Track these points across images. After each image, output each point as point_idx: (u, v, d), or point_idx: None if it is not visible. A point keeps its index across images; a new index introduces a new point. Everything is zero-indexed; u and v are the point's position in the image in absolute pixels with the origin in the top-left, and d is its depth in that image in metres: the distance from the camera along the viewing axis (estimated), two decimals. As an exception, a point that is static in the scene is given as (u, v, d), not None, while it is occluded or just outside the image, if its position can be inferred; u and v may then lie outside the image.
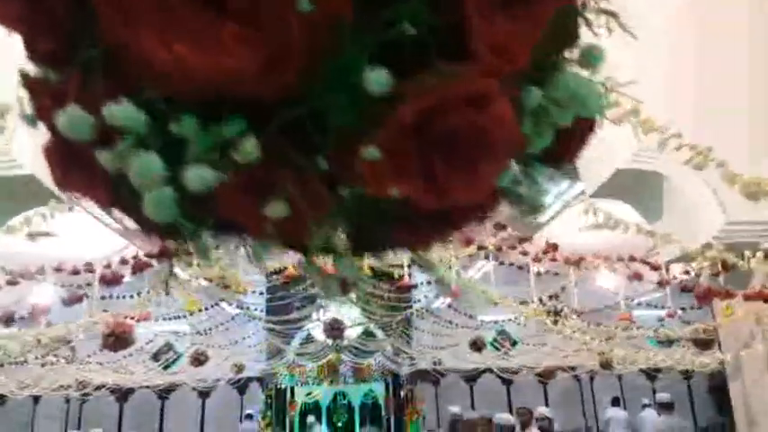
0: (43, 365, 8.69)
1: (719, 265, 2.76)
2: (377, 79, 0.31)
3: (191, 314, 7.59)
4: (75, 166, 0.36)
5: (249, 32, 0.30)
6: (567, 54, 0.42)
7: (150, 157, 0.33)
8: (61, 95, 0.33)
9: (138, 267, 2.77)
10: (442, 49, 0.33)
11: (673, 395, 7.50)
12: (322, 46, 0.30)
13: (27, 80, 0.37)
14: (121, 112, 0.31)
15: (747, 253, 1.95)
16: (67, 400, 13.33)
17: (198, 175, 0.32)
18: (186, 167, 0.32)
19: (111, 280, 3.00)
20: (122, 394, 13.55)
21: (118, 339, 5.91)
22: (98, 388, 12.05)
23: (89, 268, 2.88)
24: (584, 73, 0.42)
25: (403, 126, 0.32)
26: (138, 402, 13.57)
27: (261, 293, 9.53)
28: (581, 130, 0.45)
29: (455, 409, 8.21)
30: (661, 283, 2.65)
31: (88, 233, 6.93)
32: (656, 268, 2.95)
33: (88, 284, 5.38)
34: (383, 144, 0.32)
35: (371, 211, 0.38)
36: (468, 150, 0.34)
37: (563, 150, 0.46)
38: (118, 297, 4.71)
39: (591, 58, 0.42)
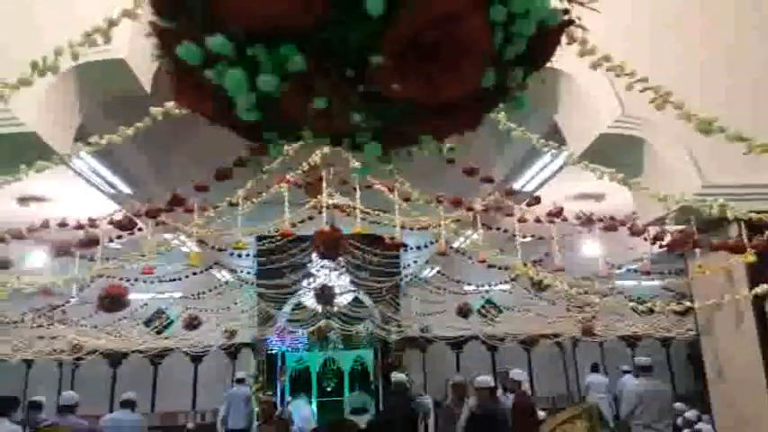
0: (39, 326, 8.79)
1: (694, 226, 2.93)
2: (374, 4, 0.44)
3: (193, 272, 7.69)
4: (189, 86, 0.50)
5: None
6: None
7: (237, 72, 0.46)
8: (177, 35, 0.46)
9: (124, 227, 2.86)
10: None
11: (653, 362, 7.75)
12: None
13: (155, 27, 0.49)
14: (216, 42, 0.45)
15: (714, 205, 2.08)
16: (60, 365, 13.50)
17: (267, 83, 0.46)
18: (260, 77, 0.46)
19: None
20: (115, 359, 13.74)
21: (113, 301, 6.04)
22: (91, 353, 12.23)
23: (93, 224, 2.96)
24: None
25: (399, 39, 0.45)
26: (131, 367, 13.77)
27: (248, 255, 9.64)
28: (546, 37, 0.58)
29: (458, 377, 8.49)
30: (636, 233, 2.78)
31: (78, 198, 6.99)
32: (635, 233, 3.08)
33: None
34: (386, 53, 0.46)
35: (387, 109, 0.51)
36: (451, 56, 0.47)
37: (535, 55, 0.58)
38: (113, 258, 4.82)
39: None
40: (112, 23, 1.57)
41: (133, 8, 1.54)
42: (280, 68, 0.48)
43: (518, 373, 7.37)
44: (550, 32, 0.57)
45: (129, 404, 6.74)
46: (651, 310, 3.00)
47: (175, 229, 3.81)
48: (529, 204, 2.98)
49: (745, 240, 2.58)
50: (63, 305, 8.27)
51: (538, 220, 3.18)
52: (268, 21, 0.45)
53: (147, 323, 12.39)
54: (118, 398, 12.13)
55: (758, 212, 2.40)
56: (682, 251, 2.67)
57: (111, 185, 6.78)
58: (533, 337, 13.61)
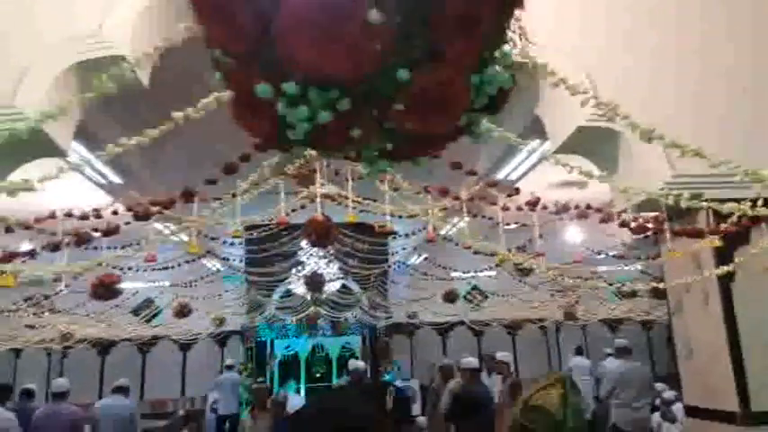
0: (34, 315, 8.84)
1: (665, 213, 3.12)
2: (402, 74, 0.61)
3: (186, 261, 7.78)
4: (248, 111, 0.66)
5: (349, 51, 0.59)
6: (494, 53, 0.73)
7: (305, 109, 0.63)
8: (249, 76, 0.63)
9: (140, 217, 2.97)
10: (431, 56, 0.63)
11: (633, 345, 8.00)
12: (380, 60, 0.61)
13: (220, 64, 0.65)
14: (290, 87, 0.62)
15: (671, 196, 2.26)
16: (49, 354, 13.54)
17: (323, 117, 0.63)
18: (320, 114, 0.63)
19: (108, 230, 3.21)
20: (104, 348, 13.81)
21: (106, 289, 6.15)
22: (80, 341, 12.29)
23: (97, 214, 3.06)
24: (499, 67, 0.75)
25: (412, 94, 0.63)
26: (120, 356, 13.85)
27: (240, 244, 9.76)
28: (503, 94, 0.83)
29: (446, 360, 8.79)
30: (606, 220, 2.96)
31: (63, 188, 7.04)
32: (605, 220, 3.26)
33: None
34: (403, 103, 0.63)
35: (399, 136, 0.68)
36: (443, 106, 0.66)
37: (493, 105, 0.78)
38: (110, 248, 4.92)
39: (505, 56, 0.74)
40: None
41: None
42: (329, 107, 0.68)
43: (505, 355, 7.60)
44: (506, 91, 0.82)
45: (122, 390, 6.86)
46: (631, 294, 3.19)
47: (167, 218, 3.93)
48: (509, 195, 3.15)
49: (711, 226, 2.78)
50: (54, 294, 8.33)
51: (519, 209, 3.36)
52: (329, 75, 0.66)
53: (136, 312, 12.48)
54: (107, 386, 12.25)
55: (721, 200, 2.58)
56: (644, 235, 2.86)
57: (103, 176, 6.86)
58: (518, 321, 13.91)
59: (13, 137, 3.10)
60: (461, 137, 0.84)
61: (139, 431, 7.01)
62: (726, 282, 2.98)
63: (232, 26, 0.67)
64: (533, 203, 3.16)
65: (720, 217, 2.85)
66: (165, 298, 11.60)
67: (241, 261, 11.47)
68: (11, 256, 2.90)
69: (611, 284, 4.87)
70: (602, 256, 7.66)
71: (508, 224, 4.15)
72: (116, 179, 6.91)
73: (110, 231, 2.94)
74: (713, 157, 1.93)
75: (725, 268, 2.72)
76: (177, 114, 1.57)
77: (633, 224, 2.90)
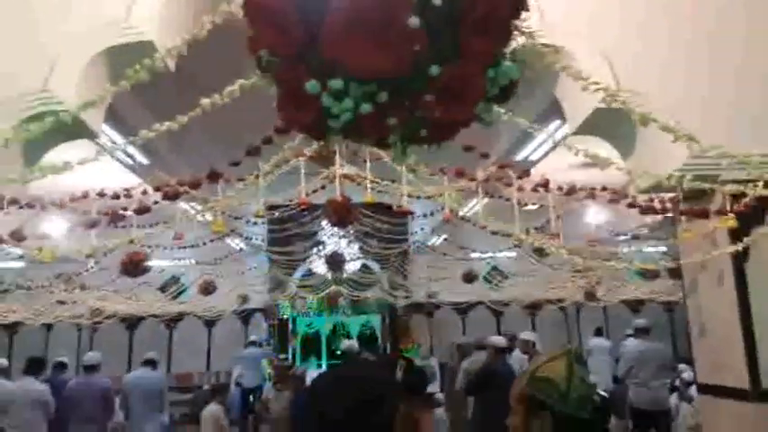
0: (65, 291, 9.16)
1: (681, 194, 3.15)
2: (433, 70, 0.74)
3: (211, 240, 7.96)
4: (294, 104, 0.77)
5: (390, 52, 0.71)
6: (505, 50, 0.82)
7: (349, 101, 0.73)
8: (296, 75, 0.73)
9: (170, 197, 3.09)
10: (456, 53, 0.75)
11: (655, 326, 8.01)
12: (415, 58, 0.74)
13: (265, 63, 0.75)
14: (336, 83, 0.74)
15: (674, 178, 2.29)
16: (79, 329, 13.99)
17: (365, 108, 0.74)
18: (362, 105, 0.74)
19: (140, 209, 3.35)
20: (132, 323, 14.23)
21: (134, 266, 6.37)
22: (109, 317, 12.69)
23: (128, 193, 3.19)
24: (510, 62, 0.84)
25: (440, 86, 0.74)
26: (147, 331, 14.26)
27: (263, 224, 9.94)
28: (512, 85, 0.93)
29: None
30: (615, 201, 2.99)
31: (89, 168, 7.23)
32: (614, 201, 3.29)
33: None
34: (432, 94, 0.73)
35: (426, 123, 0.79)
36: (464, 97, 0.75)
37: (504, 95, 0.87)
38: (139, 226, 5.10)
39: (514, 52, 0.83)
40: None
41: None
42: (369, 99, 0.80)
43: (529, 334, 7.72)
44: (514, 82, 0.93)
45: (151, 363, 7.11)
46: (653, 274, 3.23)
47: (193, 199, 4.05)
48: (519, 177, 3.20)
49: (724, 207, 2.81)
50: (85, 271, 8.61)
51: (535, 190, 3.41)
52: (371, 72, 0.79)
53: (162, 289, 12.82)
54: (135, 360, 12.67)
55: (737, 181, 2.61)
56: (662, 216, 2.91)
57: (130, 157, 7.03)
58: (537, 302, 13.94)
59: (56, 123, 3.24)
60: (470, 125, 0.96)
61: (167, 403, 7.28)
62: (740, 262, 3.01)
63: (284, 32, 0.78)
64: (544, 185, 3.21)
65: (735, 198, 2.88)
66: (191, 276, 11.88)
67: (263, 240, 11.68)
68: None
69: (629, 264, 4.89)
70: (622, 237, 7.65)
71: (525, 205, 4.20)
72: (143, 160, 7.08)
73: (141, 210, 3.07)
74: (702, 142, 1.97)
75: (737, 246, 2.76)
76: (205, 101, 1.67)
77: (643, 205, 2.94)
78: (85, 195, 3.33)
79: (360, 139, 0.95)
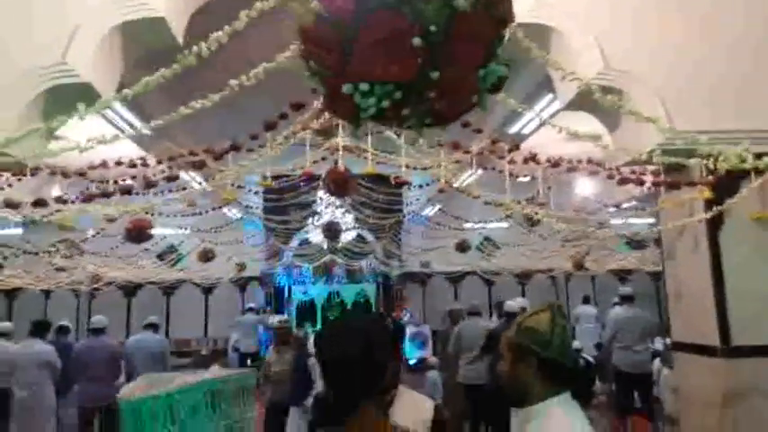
0: (67, 257, 9.34)
1: (660, 167, 3.37)
2: (433, 75, 0.95)
3: (215, 207, 8.14)
4: (335, 100, 0.99)
5: (401, 64, 0.92)
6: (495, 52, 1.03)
7: (373, 98, 0.94)
8: (337, 80, 0.95)
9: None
10: (451, 61, 0.94)
11: (641, 295, 8.32)
12: (419, 67, 0.96)
13: (315, 71, 0.96)
14: (364, 86, 0.97)
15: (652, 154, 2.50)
16: (77, 295, 14.22)
17: (385, 104, 0.95)
18: (383, 102, 0.95)
19: (150, 182, 3.52)
20: (130, 290, 14.48)
21: (139, 232, 6.56)
22: (108, 283, 12.92)
23: (144, 162, 3.36)
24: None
25: (439, 87, 0.96)
26: (145, 298, 14.52)
27: (256, 193, 10.11)
28: (500, 80, 1.12)
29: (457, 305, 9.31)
30: (595, 173, 3.21)
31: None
32: (594, 173, 3.47)
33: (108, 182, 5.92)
34: (435, 92, 0.96)
35: (432, 112, 1.00)
36: (461, 93, 0.97)
37: (495, 88, 1.08)
38: (143, 194, 5.29)
39: (500, 56, 1.05)
40: None
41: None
42: (388, 96, 1.06)
43: (522, 301, 8.03)
44: (503, 78, 1.14)
45: (152, 326, 7.36)
46: (639, 244, 3.46)
47: (197, 167, 4.21)
48: (510, 150, 3.40)
49: (702, 178, 3.03)
50: (87, 239, 8.77)
51: (525, 162, 3.61)
52: (389, 77, 1.06)
53: (160, 257, 13.02)
54: (134, 326, 12.96)
55: (709, 156, 2.83)
56: (635, 186, 3.13)
57: (132, 126, 7.15)
58: (528, 271, 14.27)
59: (64, 92, 3.36)
60: (473, 109, 1.23)
61: (170, 365, 7.55)
62: (714, 230, 3.25)
63: (329, 51, 1.09)
64: (532, 157, 3.41)
65: (711, 171, 3.10)
66: (189, 244, 12.09)
67: (258, 208, 11.87)
68: (65, 201, 3.22)
69: (612, 232, 5.13)
70: (610, 209, 7.89)
71: (517, 176, 4.41)
72: (146, 131, 7.18)
73: (150, 184, 3.25)
74: (663, 123, 2.18)
75: (708, 215, 2.99)
76: (233, 82, 1.85)
77: (621, 176, 3.16)
78: (104, 164, 3.50)
79: (383, 124, 1.20)
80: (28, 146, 3.06)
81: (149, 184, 3.22)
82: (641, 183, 3.24)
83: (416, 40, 1.04)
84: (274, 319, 8.72)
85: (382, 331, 1.82)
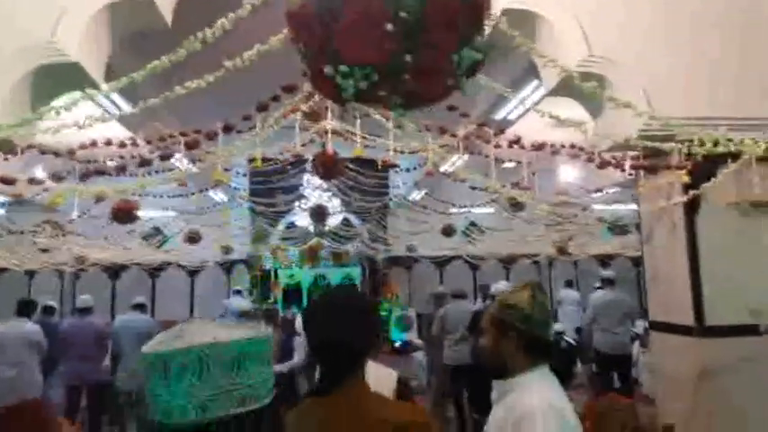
0: (52, 237, 9.29)
1: (641, 154, 3.47)
2: (407, 58, 1.04)
3: (201, 190, 8.12)
4: (319, 80, 1.05)
5: (376, 48, 0.98)
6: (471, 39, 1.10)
7: (351, 80, 1.00)
8: (319, 62, 1.01)
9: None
10: (423, 46, 1.01)
11: (623, 279, 8.47)
12: (394, 51, 1.02)
13: (302, 54, 1.01)
14: (344, 68, 1.02)
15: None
16: (61, 276, 14.15)
17: (363, 85, 1.01)
18: (360, 83, 1.01)
19: (144, 160, 3.54)
20: (114, 271, 14.44)
21: (125, 213, 6.56)
22: (93, 265, 12.86)
23: (134, 142, 3.37)
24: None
25: (415, 68, 1.05)
26: (130, 279, 14.49)
27: (245, 175, 10.11)
28: (475, 65, 1.17)
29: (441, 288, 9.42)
30: (574, 156, 3.29)
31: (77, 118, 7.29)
32: (574, 156, 3.55)
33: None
34: (410, 74, 1.02)
35: (408, 94, 1.06)
36: (437, 74, 1.04)
37: (470, 72, 1.14)
38: (132, 174, 5.30)
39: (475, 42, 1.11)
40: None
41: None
42: (366, 78, 1.10)
43: (505, 284, 8.16)
44: (479, 63, 1.20)
45: (140, 307, 7.39)
46: (621, 230, 3.56)
47: (190, 147, 4.19)
48: (495, 134, 3.47)
49: (680, 163, 3.13)
50: (71, 221, 8.73)
51: (509, 146, 3.69)
52: (365, 60, 1.13)
53: (145, 239, 12.97)
54: (119, 307, 12.93)
55: (689, 141, 2.92)
56: (608, 171, 3.23)
57: (118, 107, 7.10)
58: (512, 256, 14.45)
59: (52, 72, 3.37)
60: (452, 93, 1.28)
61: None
62: (691, 214, 3.36)
63: (312, 35, 1.16)
64: (516, 141, 3.49)
65: (688, 156, 3.21)
66: (174, 226, 12.06)
67: (245, 191, 11.86)
68: (60, 178, 3.25)
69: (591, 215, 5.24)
70: (594, 194, 8.01)
71: (503, 161, 4.49)
72: (130, 109, 7.14)
73: (144, 162, 3.27)
74: (642, 109, 2.27)
75: (687, 197, 3.10)
76: (228, 64, 1.89)
77: (602, 160, 3.25)
78: (94, 143, 3.52)
79: (365, 104, 1.27)
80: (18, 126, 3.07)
81: (143, 162, 3.24)
82: (619, 166, 3.33)
83: (389, 26, 1.11)
84: (240, 303, 8.77)
85: (368, 309, 1.90)
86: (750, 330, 3.30)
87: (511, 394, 1.97)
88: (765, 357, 3.27)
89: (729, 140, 2.75)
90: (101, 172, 3.28)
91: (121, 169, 3.26)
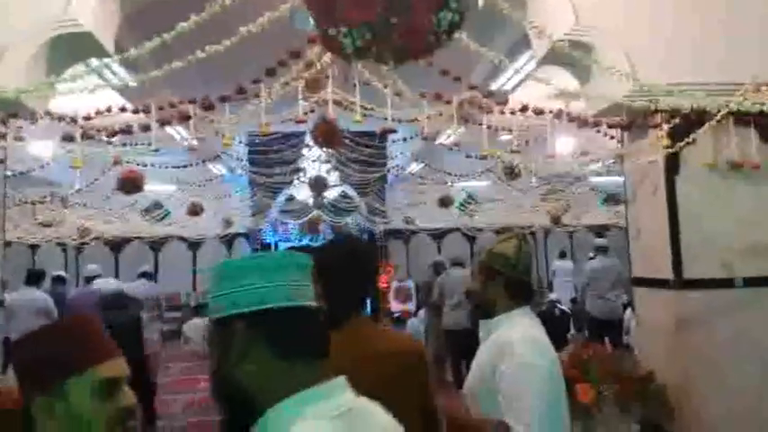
0: (53, 210, 9.48)
1: (625, 117, 3.66)
2: (393, 18, 1.24)
3: (201, 161, 8.27)
4: (326, 40, 1.26)
5: (365, 11, 1.21)
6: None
7: (350, 39, 1.23)
8: (327, 23, 1.22)
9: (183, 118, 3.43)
10: (407, 7, 1.25)
11: (617, 249, 8.69)
12: (382, 11, 1.25)
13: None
14: (344, 29, 1.24)
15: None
16: (64, 250, 14.37)
17: (360, 42, 1.22)
18: (356, 41, 1.23)
19: (146, 125, 3.69)
20: (117, 245, 14.68)
21: (131, 183, 6.75)
22: (96, 238, 13.08)
23: (146, 109, 3.52)
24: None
25: (401, 27, 1.26)
26: (132, 253, 14.72)
27: (246, 144, 10.26)
28: (455, 24, 1.38)
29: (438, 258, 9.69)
30: (557, 117, 3.46)
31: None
32: (558, 117, 3.70)
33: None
34: (397, 32, 1.24)
35: (397, 48, 1.28)
36: (419, 32, 1.27)
37: (451, 31, 1.37)
38: (133, 144, 5.48)
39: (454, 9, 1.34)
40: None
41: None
42: (361, 36, 1.32)
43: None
44: (457, 23, 1.36)
45: (146, 275, 7.65)
46: (614, 199, 3.75)
47: (206, 108, 4.28)
48: (498, 104, 3.65)
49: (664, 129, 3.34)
50: (74, 192, 8.90)
51: (501, 112, 3.87)
52: (357, 21, 1.39)
53: (146, 212, 13.17)
54: (122, 280, 13.16)
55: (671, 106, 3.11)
56: (582, 127, 3.44)
57: (118, 77, 7.23)
58: (509, 227, 14.67)
59: (66, 42, 3.52)
60: (436, 48, 1.48)
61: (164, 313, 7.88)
62: (671, 175, 3.57)
63: (321, 3, 1.43)
64: (504, 102, 3.68)
65: (669, 119, 3.41)
66: (175, 200, 12.24)
67: (244, 165, 12.02)
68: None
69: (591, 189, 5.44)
70: (591, 166, 8.18)
71: (497, 129, 4.66)
72: (130, 80, 7.26)
73: (164, 122, 3.45)
74: (626, 76, 2.45)
75: (664, 154, 3.31)
76: (243, 30, 2.07)
77: (590, 122, 3.45)
78: (109, 109, 3.69)
79: (363, 59, 1.49)
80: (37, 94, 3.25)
81: (164, 122, 3.41)
82: (598, 124, 3.53)
83: None
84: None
85: (367, 245, 2.14)
86: (725, 284, 3.53)
87: (495, 331, 2.20)
88: (738, 309, 3.51)
89: (705, 104, 2.94)
90: (110, 135, 3.46)
91: (128, 132, 3.43)
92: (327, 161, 10.20)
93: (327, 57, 3.07)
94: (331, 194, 13.85)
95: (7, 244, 12.18)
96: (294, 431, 0.92)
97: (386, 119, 4.29)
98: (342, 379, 1.05)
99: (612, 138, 4.11)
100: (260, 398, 0.98)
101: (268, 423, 0.97)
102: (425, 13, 1.42)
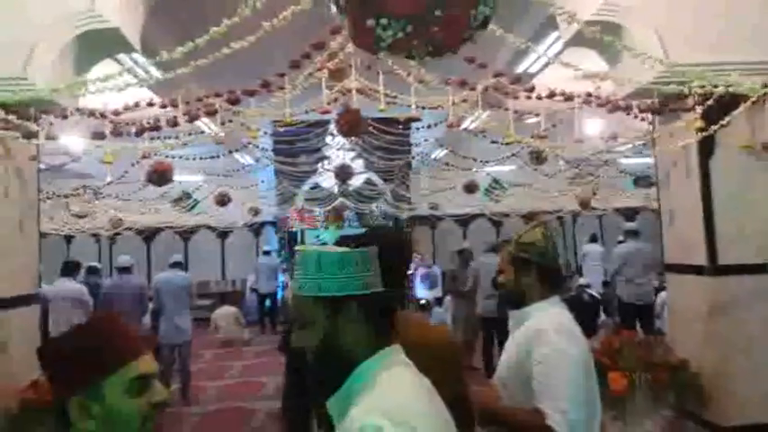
0: (88, 203, 9.67)
1: (657, 100, 3.56)
2: (436, 11, 1.22)
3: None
4: (360, 31, 1.24)
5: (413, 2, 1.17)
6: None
7: (391, 30, 1.21)
8: (364, 15, 1.21)
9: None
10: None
11: (647, 233, 8.53)
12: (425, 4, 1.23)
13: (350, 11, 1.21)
14: (383, 19, 1.23)
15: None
16: (98, 241, 14.70)
17: (398, 34, 1.21)
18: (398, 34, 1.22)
19: (174, 121, 3.73)
20: (149, 235, 14.95)
21: (160, 175, 6.83)
22: (128, 229, 13.35)
23: (174, 103, 3.56)
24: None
25: (440, 21, 1.23)
26: (163, 242, 14.97)
27: (272, 134, 10.30)
28: (488, 17, 1.35)
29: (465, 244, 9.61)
30: (588, 103, 3.36)
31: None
32: (587, 103, 3.60)
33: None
34: (438, 25, 1.24)
35: (434, 41, 1.27)
36: (452, 26, 1.25)
37: (483, 26, 1.34)
38: (162, 138, 5.55)
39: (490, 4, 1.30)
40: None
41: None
42: (401, 28, 1.33)
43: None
44: (488, 17, 1.34)
45: (178, 265, 7.75)
46: (645, 182, 3.67)
47: (232, 102, 4.31)
48: (512, 83, 3.57)
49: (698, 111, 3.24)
50: (105, 185, 9.06)
51: (528, 97, 3.80)
52: (405, 11, 1.35)
53: (175, 203, 13.38)
54: (153, 269, 13.44)
55: (703, 87, 3.02)
56: (613, 112, 3.34)
57: (146, 71, 7.31)
58: (536, 212, 14.51)
59: (92, 38, 3.56)
60: (468, 41, 1.51)
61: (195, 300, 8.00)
62: (705, 158, 3.48)
63: None
64: (531, 90, 3.61)
65: (702, 101, 3.31)
66: (203, 191, 12.40)
67: (268, 151, 12.08)
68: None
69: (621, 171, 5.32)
70: (620, 147, 8.02)
71: (522, 114, 4.60)
72: (158, 74, 7.34)
73: (192, 117, 3.48)
74: (658, 60, 2.38)
75: (699, 138, 3.21)
76: (266, 24, 2.06)
77: (621, 105, 3.36)
78: (137, 104, 3.74)
79: (396, 53, 1.47)
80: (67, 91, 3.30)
81: (192, 117, 3.44)
82: (628, 108, 3.44)
83: None
84: (270, 262, 8.76)
85: (396, 236, 2.11)
86: (760, 269, 3.44)
87: (526, 321, 2.18)
88: (775, 294, 3.43)
89: (740, 85, 2.85)
90: (140, 131, 3.50)
91: (156, 128, 3.47)
92: (351, 149, 10.18)
93: (350, 46, 3.04)
94: (356, 182, 13.86)
95: (42, 236, 12.55)
96: (387, 374, 1.22)
97: (409, 106, 4.27)
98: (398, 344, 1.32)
99: (643, 120, 4.01)
100: (360, 354, 1.25)
101: (366, 370, 1.24)
102: (465, 7, 1.39)
